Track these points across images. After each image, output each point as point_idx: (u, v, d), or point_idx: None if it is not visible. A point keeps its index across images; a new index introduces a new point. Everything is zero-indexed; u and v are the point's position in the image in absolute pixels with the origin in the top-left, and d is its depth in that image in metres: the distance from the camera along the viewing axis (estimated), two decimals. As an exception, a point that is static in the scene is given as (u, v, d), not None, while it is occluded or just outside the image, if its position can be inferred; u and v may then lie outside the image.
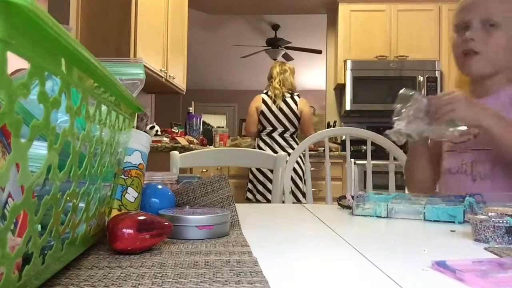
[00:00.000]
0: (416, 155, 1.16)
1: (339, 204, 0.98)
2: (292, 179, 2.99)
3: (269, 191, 3.04)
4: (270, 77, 3.28)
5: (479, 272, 0.43)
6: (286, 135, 3.22)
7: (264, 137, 3.26)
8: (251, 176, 3.22)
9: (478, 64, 1.03)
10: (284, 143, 3.20)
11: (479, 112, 0.91)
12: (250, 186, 3.23)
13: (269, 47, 5.73)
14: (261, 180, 3.14)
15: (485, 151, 1.03)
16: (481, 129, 0.94)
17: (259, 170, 3.11)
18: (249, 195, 3.22)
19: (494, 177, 1.02)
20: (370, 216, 0.85)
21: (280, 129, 3.21)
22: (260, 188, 3.16)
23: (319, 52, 5.47)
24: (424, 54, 3.86)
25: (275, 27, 5.57)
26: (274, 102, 3.19)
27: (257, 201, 3.14)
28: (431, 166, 1.16)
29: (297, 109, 3.16)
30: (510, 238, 0.61)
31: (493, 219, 0.61)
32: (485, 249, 0.58)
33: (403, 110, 0.98)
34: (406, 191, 1.26)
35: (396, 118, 0.99)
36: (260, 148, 3.19)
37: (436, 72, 3.80)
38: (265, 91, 3.27)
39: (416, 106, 0.96)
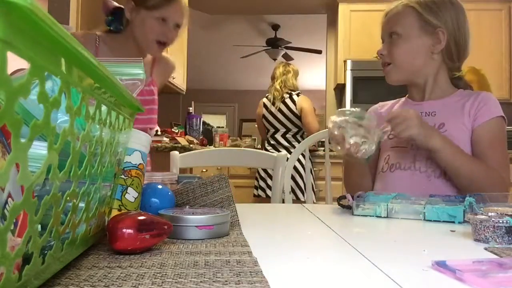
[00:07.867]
0: (354, 164, 1.17)
1: (339, 204, 0.98)
2: (292, 177, 3.01)
3: (269, 187, 3.06)
4: (273, 78, 3.29)
5: (479, 272, 0.43)
6: (289, 135, 3.22)
7: (269, 140, 3.28)
8: (256, 174, 3.26)
9: (392, 72, 1.15)
10: (287, 144, 3.20)
11: (428, 132, 0.99)
12: (255, 183, 3.28)
13: (269, 47, 5.72)
14: (262, 176, 3.17)
15: None
16: (428, 150, 1.01)
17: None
18: (255, 192, 3.26)
19: (446, 176, 1.08)
20: (370, 216, 0.85)
21: (282, 130, 3.22)
22: (262, 184, 3.18)
23: (319, 52, 5.46)
24: (424, 54, 3.86)
25: (275, 27, 5.57)
26: (273, 104, 3.19)
27: (259, 196, 3.18)
28: (369, 169, 1.19)
29: (296, 108, 3.15)
30: (510, 238, 0.61)
31: (493, 219, 0.61)
32: (485, 249, 0.58)
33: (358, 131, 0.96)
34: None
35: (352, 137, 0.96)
36: (266, 150, 3.20)
37: (436, 72, 3.79)
38: (266, 95, 3.28)
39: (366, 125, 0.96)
